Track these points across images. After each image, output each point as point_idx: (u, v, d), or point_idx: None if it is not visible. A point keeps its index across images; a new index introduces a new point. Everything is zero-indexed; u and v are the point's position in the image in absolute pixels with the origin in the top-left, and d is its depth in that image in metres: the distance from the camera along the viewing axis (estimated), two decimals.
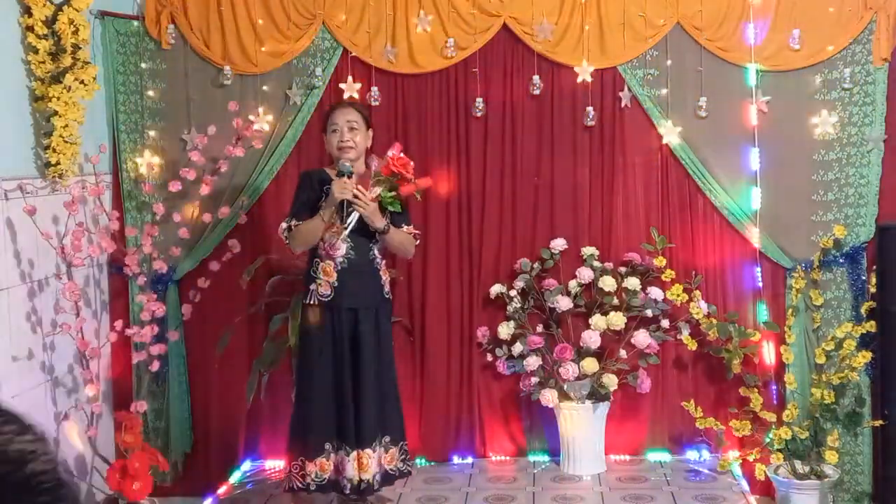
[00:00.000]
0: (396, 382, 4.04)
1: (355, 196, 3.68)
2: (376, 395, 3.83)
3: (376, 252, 3.88)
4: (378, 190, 3.79)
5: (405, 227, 3.90)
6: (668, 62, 4.52)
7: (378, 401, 3.84)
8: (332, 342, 3.81)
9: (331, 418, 3.82)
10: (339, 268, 3.79)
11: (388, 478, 3.93)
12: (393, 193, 3.81)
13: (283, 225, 3.84)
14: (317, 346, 3.83)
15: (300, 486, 3.85)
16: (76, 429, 4.21)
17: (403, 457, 3.98)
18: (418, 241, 3.99)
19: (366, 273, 3.84)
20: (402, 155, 3.85)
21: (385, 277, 3.93)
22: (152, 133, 4.66)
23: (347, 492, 3.81)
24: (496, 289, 4.66)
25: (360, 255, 3.81)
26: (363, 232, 3.80)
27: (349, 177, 3.71)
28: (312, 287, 3.82)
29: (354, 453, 3.79)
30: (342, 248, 3.78)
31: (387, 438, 3.90)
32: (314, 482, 3.84)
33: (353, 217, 3.73)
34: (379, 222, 3.76)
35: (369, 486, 3.83)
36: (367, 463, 3.80)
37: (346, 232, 3.74)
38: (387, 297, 3.95)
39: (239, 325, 4.64)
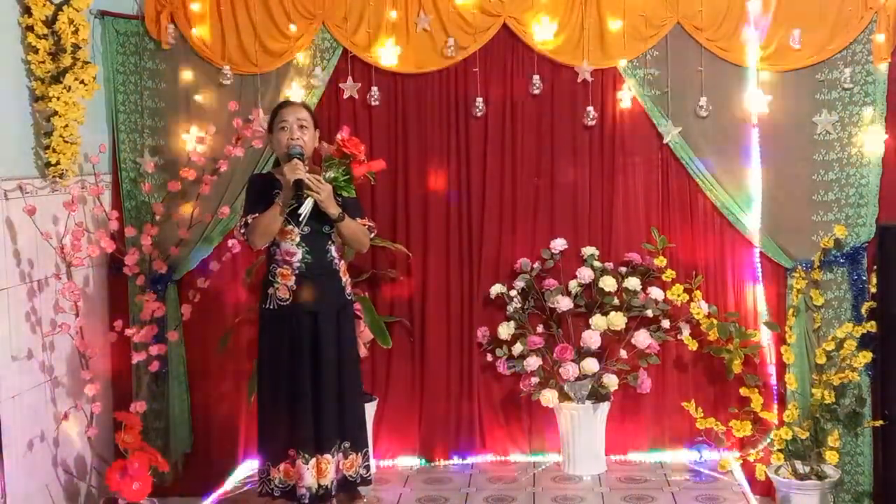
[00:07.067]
0: (361, 387, 3.99)
1: (308, 180, 3.61)
2: (336, 400, 3.77)
3: (334, 252, 3.81)
4: (331, 174, 3.73)
5: (359, 220, 3.84)
6: (668, 62, 4.52)
7: (338, 405, 3.78)
8: (291, 347, 3.75)
9: (290, 424, 3.76)
10: (297, 272, 3.73)
11: (345, 484, 3.86)
12: (347, 177, 3.76)
13: (240, 222, 3.76)
14: (275, 351, 3.77)
15: (267, 490, 3.85)
16: (76, 429, 4.22)
17: (366, 464, 3.93)
18: (373, 234, 3.95)
19: (325, 276, 3.77)
20: (352, 137, 3.82)
21: (345, 278, 3.87)
22: (152, 133, 4.65)
23: (307, 501, 3.74)
24: (496, 289, 4.66)
25: (316, 258, 3.74)
26: (318, 231, 3.74)
27: (300, 158, 3.67)
28: (270, 291, 3.76)
29: (314, 460, 3.74)
30: (298, 253, 3.72)
31: (346, 444, 3.84)
32: (278, 488, 3.81)
33: (308, 203, 3.66)
34: (333, 208, 3.68)
35: (327, 493, 3.77)
36: (326, 469, 3.74)
37: (304, 217, 3.66)
38: (349, 298, 3.89)
39: (239, 325, 4.64)
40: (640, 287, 4.55)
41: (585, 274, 4.59)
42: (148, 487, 4.10)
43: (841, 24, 4.38)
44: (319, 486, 3.75)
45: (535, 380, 4.55)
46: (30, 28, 3.87)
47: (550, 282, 4.63)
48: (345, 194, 3.78)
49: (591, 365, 4.46)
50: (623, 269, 4.62)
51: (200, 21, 4.61)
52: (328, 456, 3.75)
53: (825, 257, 4.41)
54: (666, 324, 4.58)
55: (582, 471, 4.50)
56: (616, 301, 4.57)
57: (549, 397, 4.48)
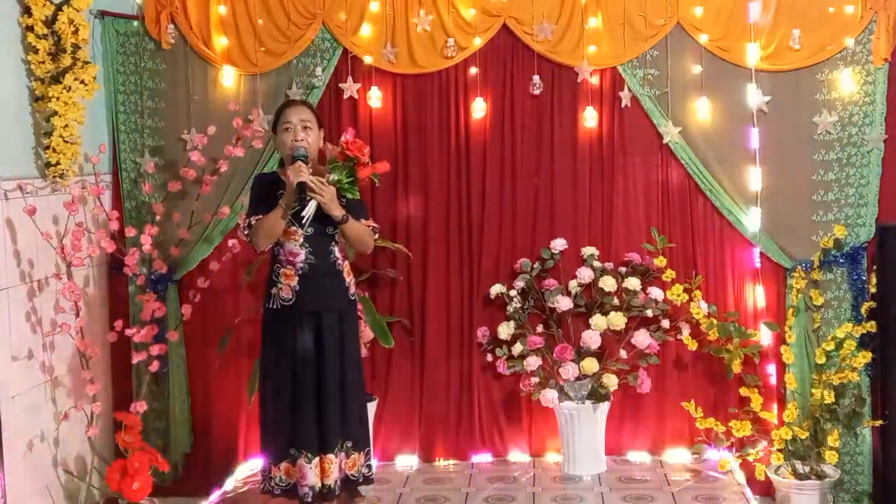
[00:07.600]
0: (363, 387, 3.98)
1: (311, 182, 3.58)
2: (338, 400, 3.76)
3: (337, 253, 3.79)
4: (334, 176, 3.72)
5: (363, 221, 3.82)
6: (668, 62, 4.52)
7: (340, 405, 3.77)
8: (294, 347, 3.74)
9: (292, 424, 3.76)
10: (300, 273, 3.71)
11: (347, 483, 3.86)
12: (351, 179, 3.76)
13: (242, 223, 3.75)
14: (278, 350, 3.77)
15: (268, 488, 3.85)
16: (76, 429, 4.22)
17: (368, 463, 3.92)
18: (377, 236, 3.93)
19: (328, 276, 3.75)
20: (356, 139, 3.82)
21: (349, 279, 3.86)
22: (152, 133, 4.65)
23: (310, 500, 3.74)
24: (496, 289, 4.66)
25: (320, 258, 3.73)
26: (322, 232, 3.73)
27: (304, 160, 3.65)
28: (273, 291, 3.75)
29: (317, 459, 3.74)
30: (302, 254, 3.70)
31: (349, 443, 3.83)
32: (278, 486, 3.81)
33: (312, 206, 3.65)
34: (337, 210, 3.66)
35: (331, 492, 3.77)
36: (330, 468, 3.74)
37: (307, 220, 3.65)
38: (352, 298, 3.87)
39: (239, 325, 4.64)
40: (640, 287, 4.55)
41: (585, 274, 4.59)
42: (148, 487, 4.11)
43: (841, 24, 4.38)
44: (324, 485, 3.76)
45: (535, 380, 4.55)
46: (30, 28, 3.87)
47: (550, 282, 4.63)
48: (349, 196, 3.78)
49: (590, 365, 4.46)
50: (623, 269, 4.62)
51: (200, 21, 4.61)
52: (331, 456, 3.76)
53: (825, 257, 4.42)
54: (666, 324, 4.58)
55: (582, 471, 4.50)
56: (616, 301, 4.57)
57: (549, 397, 4.48)
